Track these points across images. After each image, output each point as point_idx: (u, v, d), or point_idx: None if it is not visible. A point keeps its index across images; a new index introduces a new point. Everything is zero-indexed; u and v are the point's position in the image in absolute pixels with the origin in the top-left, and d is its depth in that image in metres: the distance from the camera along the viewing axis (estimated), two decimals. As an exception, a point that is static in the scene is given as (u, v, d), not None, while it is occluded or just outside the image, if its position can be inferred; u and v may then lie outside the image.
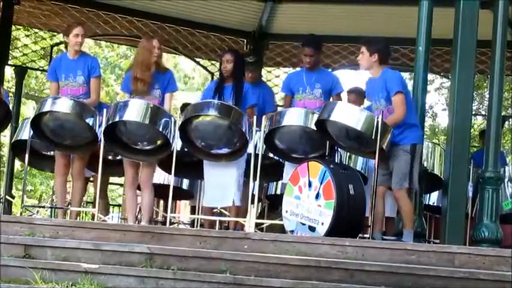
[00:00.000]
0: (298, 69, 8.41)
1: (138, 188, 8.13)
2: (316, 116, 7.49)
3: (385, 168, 7.32)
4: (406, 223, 7.30)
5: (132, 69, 8.01)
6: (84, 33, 8.19)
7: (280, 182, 9.17)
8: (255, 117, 7.93)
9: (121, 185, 13.71)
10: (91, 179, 8.94)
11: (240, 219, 8.16)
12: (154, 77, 7.92)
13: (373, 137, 7.06)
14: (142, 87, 7.87)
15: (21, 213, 8.40)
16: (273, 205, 9.35)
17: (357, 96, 9.04)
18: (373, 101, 7.49)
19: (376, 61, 7.41)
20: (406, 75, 17.64)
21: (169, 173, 8.01)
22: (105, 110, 7.76)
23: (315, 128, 7.51)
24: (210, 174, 8.11)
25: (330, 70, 9.27)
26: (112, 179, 11.71)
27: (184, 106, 8.94)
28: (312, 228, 6.95)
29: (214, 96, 8.09)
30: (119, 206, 14.36)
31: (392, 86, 7.29)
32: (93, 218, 7.89)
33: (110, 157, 8.70)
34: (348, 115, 7.21)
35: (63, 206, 8.19)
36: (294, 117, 7.74)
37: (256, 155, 7.72)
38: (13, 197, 11.73)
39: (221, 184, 8.01)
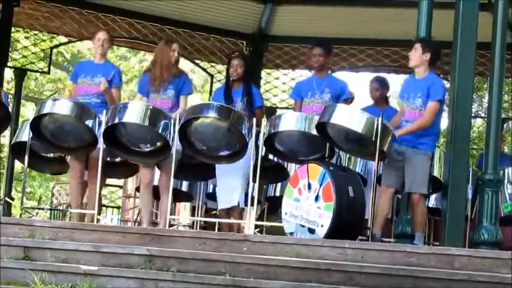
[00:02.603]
0: (305, 74, 8.41)
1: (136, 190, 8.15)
2: (315, 119, 7.49)
3: (399, 170, 7.33)
4: (419, 227, 7.37)
5: (152, 70, 8.13)
6: (108, 39, 8.34)
7: (279, 184, 9.19)
8: (254, 119, 7.91)
9: (120, 186, 13.71)
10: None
11: (241, 222, 8.19)
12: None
13: (373, 139, 7.06)
14: (158, 86, 8.01)
15: (20, 215, 8.39)
16: (272, 207, 9.35)
17: (379, 84, 9.04)
18: (406, 99, 7.45)
19: (427, 60, 7.41)
20: (405, 78, 17.64)
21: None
22: (104, 112, 7.77)
23: (312, 132, 7.51)
24: (219, 177, 8.26)
25: (336, 76, 9.19)
26: (111, 181, 11.72)
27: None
28: (312, 230, 6.95)
29: (226, 101, 8.13)
30: (119, 208, 14.36)
31: (437, 93, 7.30)
32: (92, 220, 7.87)
33: (108, 159, 8.69)
34: (348, 117, 7.20)
35: (78, 209, 8.20)
36: (290, 122, 7.74)
37: (256, 157, 7.72)
38: (13, 199, 11.72)
39: (228, 186, 8.11)
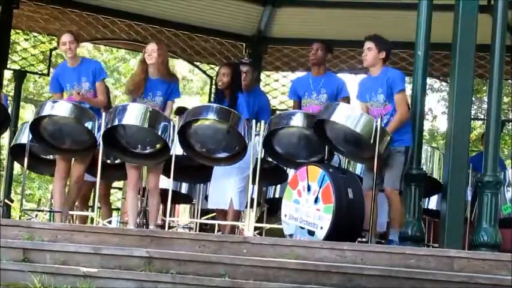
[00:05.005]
0: (303, 74, 8.36)
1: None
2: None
3: (371, 171, 7.34)
4: (396, 223, 7.36)
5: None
6: (73, 40, 8.09)
7: (279, 186, 9.18)
8: (254, 121, 7.91)
9: (120, 188, 13.71)
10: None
11: (239, 223, 8.19)
12: (158, 84, 7.94)
13: (371, 142, 7.05)
14: (132, 93, 7.98)
15: (20, 217, 8.39)
16: (272, 209, 9.35)
17: None
18: (368, 99, 7.46)
19: (383, 59, 7.47)
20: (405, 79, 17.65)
21: (168, 176, 8.01)
22: (103, 114, 7.76)
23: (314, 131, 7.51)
24: (213, 177, 8.23)
25: (335, 74, 9.14)
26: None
27: (179, 110, 8.96)
28: (311, 232, 6.95)
29: None
30: (118, 209, 14.35)
31: (397, 84, 7.36)
32: (92, 222, 7.88)
33: (108, 161, 8.69)
34: (348, 117, 7.19)
35: (61, 210, 8.19)
36: (293, 120, 7.73)
37: (255, 159, 7.72)
38: (12, 201, 11.72)
39: (221, 187, 8.07)
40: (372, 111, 7.44)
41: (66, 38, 8.08)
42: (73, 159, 8.16)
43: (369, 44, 7.47)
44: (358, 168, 8.53)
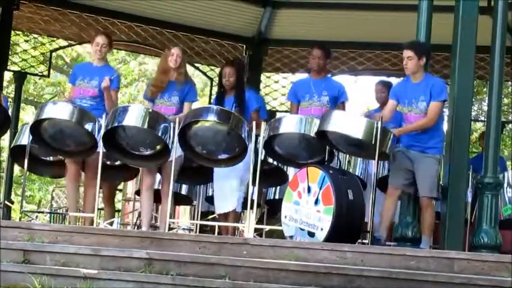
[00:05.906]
0: (303, 77, 8.40)
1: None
2: (315, 121, 7.49)
3: (406, 173, 7.38)
4: (426, 231, 7.35)
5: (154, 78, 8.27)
6: (107, 44, 8.24)
7: (279, 188, 9.18)
8: (254, 122, 7.92)
9: (120, 190, 13.71)
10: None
11: (239, 225, 8.18)
12: (174, 85, 8.04)
13: (372, 143, 7.05)
14: (155, 91, 8.04)
15: (20, 219, 8.39)
16: (272, 210, 9.35)
17: (384, 87, 9.00)
18: (407, 104, 7.43)
19: (424, 64, 7.42)
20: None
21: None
22: (104, 116, 7.77)
23: (311, 135, 7.52)
24: (215, 182, 8.29)
25: (333, 78, 9.20)
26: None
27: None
28: (311, 234, 6.95)
29: None
30: (118, 211, 14.35)
31: (440, 94, 7.33)
32: (92, 224, 7.88)
33: (108, 162, 8.69)
34: (346, 124, 7.18)
35: (76, 212, 8.22)
36: (290, 125, 7.74)
37: (256, 160, 7.73)
38: (12, 203, 11.73)
39: (223, 191, 8.12)
40: (407, 117, 7.43)
41: (100, 39, 8.23)
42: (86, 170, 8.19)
43: (408, 53, 7.37)
44: (358, 169, 8.54)
